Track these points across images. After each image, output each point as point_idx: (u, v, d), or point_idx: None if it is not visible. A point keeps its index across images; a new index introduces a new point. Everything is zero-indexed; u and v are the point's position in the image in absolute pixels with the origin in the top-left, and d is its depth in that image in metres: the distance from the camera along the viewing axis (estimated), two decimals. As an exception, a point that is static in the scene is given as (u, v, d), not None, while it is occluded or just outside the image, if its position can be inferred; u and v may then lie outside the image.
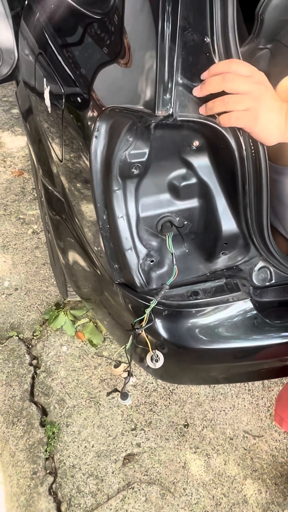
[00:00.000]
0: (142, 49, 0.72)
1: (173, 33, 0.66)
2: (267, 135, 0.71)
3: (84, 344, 1.88)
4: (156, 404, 1.71)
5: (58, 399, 1.69)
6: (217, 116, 0.71)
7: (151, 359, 0.96)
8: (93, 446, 1.58)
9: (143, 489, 1.49)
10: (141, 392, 1.74)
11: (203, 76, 0.70)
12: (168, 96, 0.67)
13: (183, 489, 1.50)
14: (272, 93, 0.70)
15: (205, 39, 0.71)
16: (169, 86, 0.67)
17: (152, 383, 1.76)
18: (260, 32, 1.63)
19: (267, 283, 1.01)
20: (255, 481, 1.53)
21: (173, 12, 0.65)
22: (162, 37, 0.65)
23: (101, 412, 1.67)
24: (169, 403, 1.71)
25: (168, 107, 0.67)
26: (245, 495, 1.49)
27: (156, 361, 0.96)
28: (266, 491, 1.51)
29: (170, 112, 0.68)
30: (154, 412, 1.68)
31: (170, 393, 1.74)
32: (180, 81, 0.70)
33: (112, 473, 1.52)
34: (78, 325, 1.94)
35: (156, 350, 0.97)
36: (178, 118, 0.71)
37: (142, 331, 0.92)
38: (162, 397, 1.73)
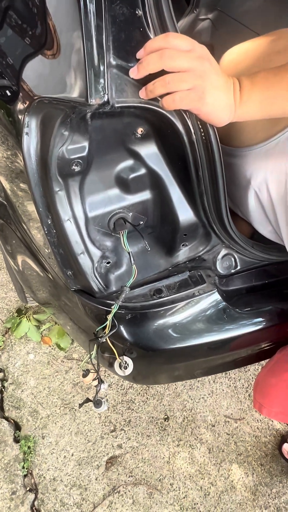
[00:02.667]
0: (68, 31, 0.62)
1: (98, 6, 0.57)
2: (216, 116, 0.64)
3: (52, 348, 1.80)
4: (134, 401, 1.65)
5: (30, 410, 1.61)
6: (159, 99, 0.64)
7: (120, 366, 0.90)
8: (72, 455, 1.51)
9: (129, 491, 1.44)
10: (117, 391, 1.68)
11: (139, 54, 0.61)
12: (101, 81, 0.59)
13: (170, 484, 1.46)
14: (217, 68, 0.63)
15: (137, 12, 0.62)
16: (101, 69, 0.59)
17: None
18: (198, 1, 1.55)
19: (233, 271, 0.96)
20: (241, 465, 1.52)
21: (95, -18, 0.56)
22: (86, 13, 0.56)
23: (78, 418, 1.60)
24: (147, 399, 1.66)
25: (102, 93, 0.59)
26: (232, 481, 1.48)
27: (125, 368, 0.90)
28: (253, 473, 1.50)
29: (106, 99, 0.59)
30: (133, 409, 1.63)
31: (147, 388, 1.69)
32: (114, 63, 0.61)
33: (96, 479, 1.46)
34: (44, 330, 1.84)
35: (124, 356, 0.90)
36: (116, 105, 0.63)
37: (105, 339, 0.85)
38: (139, 393, 1.68)
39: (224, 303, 0.92)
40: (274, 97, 0.64)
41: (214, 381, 1.72)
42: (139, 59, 0.62)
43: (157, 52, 0.59)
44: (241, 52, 0.85)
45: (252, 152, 0.84)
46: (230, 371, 1.76)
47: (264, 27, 1.46)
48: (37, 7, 0.73)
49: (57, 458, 1.50)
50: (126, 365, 0.89)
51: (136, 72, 0.61)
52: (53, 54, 0.67)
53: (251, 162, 0.85)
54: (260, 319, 0.98)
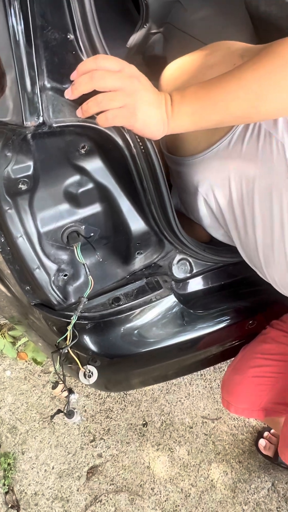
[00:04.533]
0: (3, 59, 0.65)
1: (28, 34, 0.60)
2: (149, 130, 0.67)
3: (29, 363, 1.80)
4: (112, 409, 1.67)
5: (9, 427, 1.61)
6: (96, 117, 0.67)
7: (84, 375, 0.92)
8: (53, 468, 1.52)
9: (111, 499, 1.45)
10: (95, 401, 1.69)
11: (72, 76, 0.65)
12: (35, 104, 0.62)
13: (151, 489, 1.48)
14: (147, 85, 0.66)
15: (68, 36, 0.66)
16: (35, 92, 0.62)
17: (105, 389, 1.72)
18: (148, 16, 1.60)
19: (189, 275, 0.99)
20: (220, 463, 1.54)
21: (23, 10, 0.59)
22: (16, 41, 0.59)
23: (57, 431, 1.60)
24: (125, 406, 1.68)
25: (37, 116, 0.62)
26: (212, 480, 1.50)
27: (89, 376, 0.92)
28: (232, 471, 1.53)
29: (41, 121, 0.62)
30: (111, 418, 1.65)
31: (124, 395, 1.71)
32: (49, 85, 0.65)
33: (77, 490, 1.47)
34: (19, 346, 1.84)
35: (88, 365, 0.92)
36: (55, 125, 0.66)
37: (67, 350, 0.87)
38: (117, 401, 1.69)
39: (181, 306, 0.95)
40: (202, 110, 0.67)
41: (190, 384, 1.75)
42: (73, 81, 0.65)
43: (88, 74, 0.62)
44: (179, 66, 0.89)
45: (196, 160, 0.88)
46: (205, 373, 1.79)
47: (211, 38, 1.52)
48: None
49: (38, 472, 1.50)
50: (90, 374, 0.92)
51: (70, 93, 0.64)
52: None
53: (197, 170, 0.89)
54: (219, 319, 1.01)
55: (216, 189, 0.89)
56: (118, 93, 0.63)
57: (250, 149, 0.80)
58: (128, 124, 0.65)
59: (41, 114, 0.62)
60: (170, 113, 0.68)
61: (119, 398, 1.70)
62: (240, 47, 0.81)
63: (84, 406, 1.67)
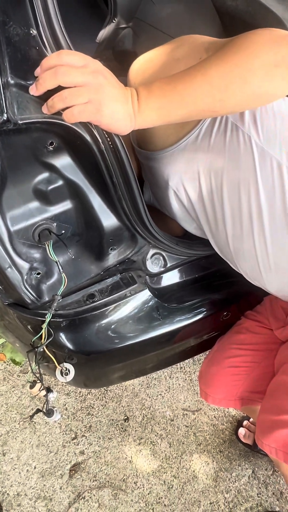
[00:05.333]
0: None
1: (-13, 30, 0.59)
2: (116, 126, 0.67)
3: (7, 364, 1.78)
4: (93, 406, 1.67)
5: (-12, 429, 1.59)
6: (62, 113, 0.66)
7: (61, 373, 0.92)
8: (35, 468, 1.51)
9: (94, 495, 1.46)
10: (76, 399, 1.69)
11: (36, 72, 0.64)
12: (-2, 100, 0.61)
13: (134, 483, 1.49)
14: (113, 81, 0.66)
15: (31, 32, 0.65)
16: (-2, 89, 0.61)
17: (85, 386, 1.72)
18: (116, 10, 1.59)
19: (163, 269, 1.00)
20: (201, 454, 1.57)
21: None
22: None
23: (38, 430, 1.59)
24: (106, 402, 1.68)
25: (1, 112, 0.61)
26: (194, 471, 1.52)
27: (66, 374, 0.92)
28: (213, 461, 1.55)
29: (5, 118, 0.62)
30: (92, 415, 1.65)
31: (105, 392, 1.71)
32: (12, 82, 0.64)
33: (60, 489, 1.47)
34: (-3, 346, 1.83)
35: (65, 362, 0.92)
36: (20, 122, 0.65)
37: (43, 348, 0.87)
38: (98, 397, 1.70)
39: (156, 300, 0.96)
40: (169, 104, 0.68)
41: (170, 377, 1.77)
42: (37, 77, 0.64)
43: (51, 70, 0.61)
44: (146, 60, 0.89)
45: (165, 154, 0.88)
46: (185, 366, 1.81)
47: (180, 33, 1.53)
48: None
49: (20, 473, 1.49)
50: (67, 371, 0.91)
51: (35, 90, 0.64)
52: None
53: (166, 164, 0.90)
54: (194, 312, 1.03)
55: (186, 183, 0.89)
56: (83, 89, 0.62)
57: (218, 142, 0.81)
58: (94, 119, 0.65)
59: (5, 111, 0.61)
60: (137, 108, 0.68)
61: (100, 395, 1.70)
62: (205, 40, 0.82)
63: (65, 404, 1.67)
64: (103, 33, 1.68)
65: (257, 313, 1.11)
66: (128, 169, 0.76)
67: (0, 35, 0.62)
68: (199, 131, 0.82)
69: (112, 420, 1.64)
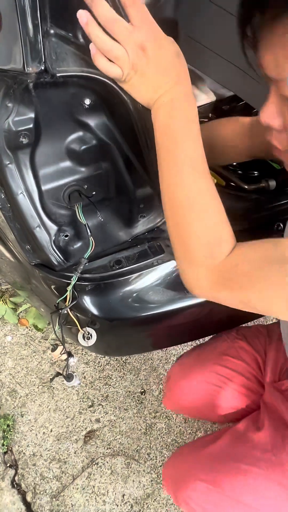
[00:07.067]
0: (4, 4, 0.62)
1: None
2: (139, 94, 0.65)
3: (29, 330, 1.81)
4: (111, 377, 1.69)
5: (9, 390, 1.63)
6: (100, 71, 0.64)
7: (83, 337, 0.92)
8: (51, 431, 1.54)
9: (107, 462, 1.48)
10: (94, 368, 1.71)
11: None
12: (37, 49, 0.59)
13: (147, 454, 1.51)
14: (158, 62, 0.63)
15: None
16: (37, 38, 0.59)
17: (104, 357, 1.74)
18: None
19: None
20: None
21: None
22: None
23: (56, 396, 1.63)
24: (124, 374, 1.70)
25: (39, 62, 0.59)
26: (207, 448, 1.52)
27: (88, 338, 0.92)
28: (227, 440, 1.55)
29: (43, 68, 0.60)
30: (110, 385, 1.67)
31: (124, 364, 1.73)
32: (52, 32, 0.61)
33: (75, 453, 1.50)
34: (20, 312, 1.85)
35: (87, 327, 0.92)
36: (58, 74, 0.63)
37: (66, 311, 0.87)
38: (116, 369, 1.71)
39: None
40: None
41: (189, 354, 1.76)
42: (78, 29, 0.61)
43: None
44: None
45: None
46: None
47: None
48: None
49: (36, 434, 1.53)
50: (89, 336, 0.92)
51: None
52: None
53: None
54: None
55: None
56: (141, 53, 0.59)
57: None
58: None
59: (44, 61, 0.60)
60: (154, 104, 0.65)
61: (118, 366, 1.71)
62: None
63: (84, 373, 1.69)
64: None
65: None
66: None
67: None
68: None
69: (129, 391, 1.65)
